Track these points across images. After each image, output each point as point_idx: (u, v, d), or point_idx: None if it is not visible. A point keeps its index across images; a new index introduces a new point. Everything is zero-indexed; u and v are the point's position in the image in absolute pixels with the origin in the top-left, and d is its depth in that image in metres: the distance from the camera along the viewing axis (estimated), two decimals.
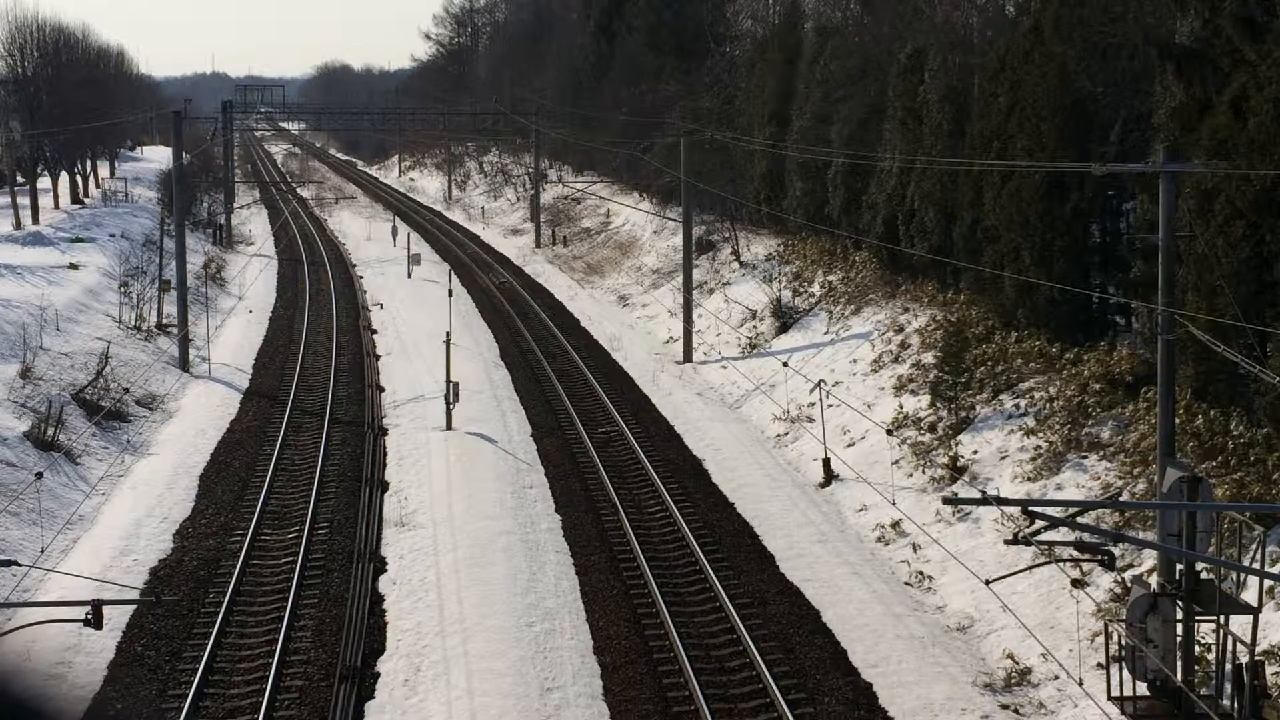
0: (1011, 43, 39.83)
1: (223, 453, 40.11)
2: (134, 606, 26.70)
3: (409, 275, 77.84)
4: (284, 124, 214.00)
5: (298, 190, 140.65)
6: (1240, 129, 27.26)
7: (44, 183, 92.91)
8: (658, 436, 41.58)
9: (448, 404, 42.04)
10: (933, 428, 36.70)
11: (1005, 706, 23.22)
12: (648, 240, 77.23)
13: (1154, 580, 21.18)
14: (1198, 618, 18.63)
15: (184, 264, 53.66)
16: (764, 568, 30.19)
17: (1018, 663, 24.53)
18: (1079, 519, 18.98)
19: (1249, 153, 26.74)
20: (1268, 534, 23.09)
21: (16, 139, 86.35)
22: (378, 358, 54.39)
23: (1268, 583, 22.10)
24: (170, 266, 57.60)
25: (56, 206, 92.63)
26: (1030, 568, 22.89)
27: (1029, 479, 31.67)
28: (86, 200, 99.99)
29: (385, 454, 40.01)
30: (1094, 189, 35.58)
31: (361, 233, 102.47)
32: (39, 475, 31.80)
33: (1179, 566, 18.77)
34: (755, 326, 54.09)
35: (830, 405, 38.96)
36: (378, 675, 25.02)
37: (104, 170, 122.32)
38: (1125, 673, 19.04)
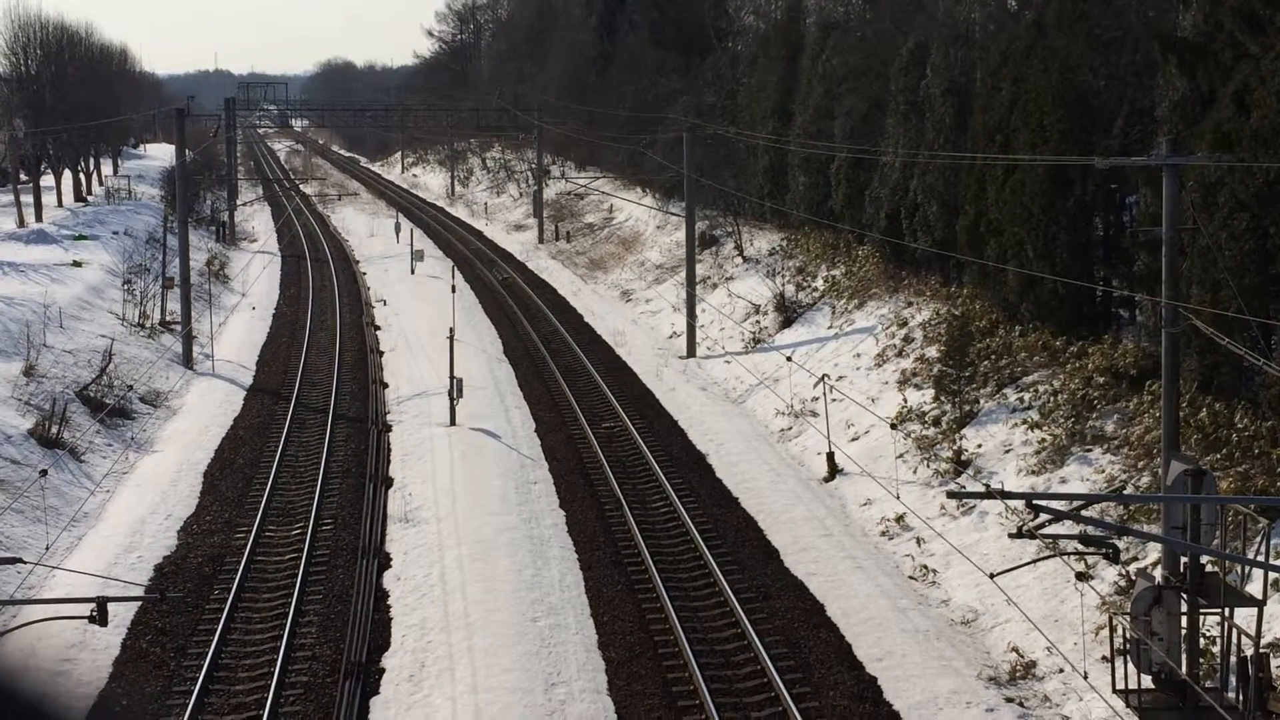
0: (1014, 37, 39.81)
1: (227, 449, 40.12)
2: (139, 603, 26.73)
3: (412, 271, 77.81)
4: (288, 121, 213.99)
5: (301, 187, 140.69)
6: (1243, 122, 27.24)
7: (47, 180, 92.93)
8: (661, 431, 41.58)
9: (451, 400, 42.06)
10: (937, 422, 36.68)
11: (1010, 700, 23.22)
12: (651, 235, 77.17)
13: (1158, 573, 21.17)
14: (1202, 610, 18.60)
15: (187, 261, 53.68)
16: (768, 562, 30.19)
17: (1022, 656, 24.54)
18: (1083, 512, 18.94)
19: (1252, 145, 26.72)
20: (1272, 526, 23.08)
21: (20, 137, 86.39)
22: (381, 354, 54.40)
23: (1272, 575, 22.08)
24: (173, 263, 57.62)
25: (60, 204, 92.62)
26: (1034, 561, 22.88)
27: (1033, 472, 31.66)
28: (90, 198, 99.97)
29: (389, 450, 40.02)
30: (1097, 182, 35.54)
31: (364, 229, 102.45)
32: (43, 473, 31.84)
33: (1183, 559, 18.76)
34: (759, 321, 54.05)
35: (834, 399, 38.96)
36: (383, 671, 25.03)
37: (107, 168, 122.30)
38: (1130, 665, 19.01)
